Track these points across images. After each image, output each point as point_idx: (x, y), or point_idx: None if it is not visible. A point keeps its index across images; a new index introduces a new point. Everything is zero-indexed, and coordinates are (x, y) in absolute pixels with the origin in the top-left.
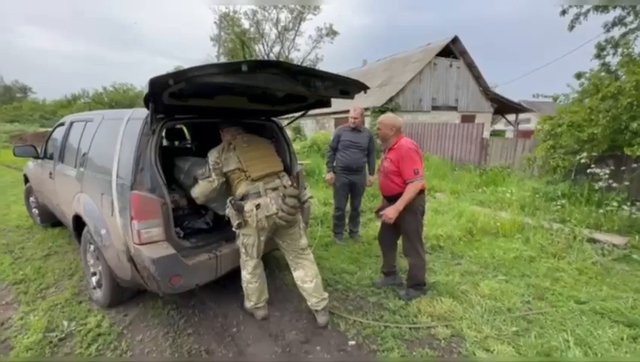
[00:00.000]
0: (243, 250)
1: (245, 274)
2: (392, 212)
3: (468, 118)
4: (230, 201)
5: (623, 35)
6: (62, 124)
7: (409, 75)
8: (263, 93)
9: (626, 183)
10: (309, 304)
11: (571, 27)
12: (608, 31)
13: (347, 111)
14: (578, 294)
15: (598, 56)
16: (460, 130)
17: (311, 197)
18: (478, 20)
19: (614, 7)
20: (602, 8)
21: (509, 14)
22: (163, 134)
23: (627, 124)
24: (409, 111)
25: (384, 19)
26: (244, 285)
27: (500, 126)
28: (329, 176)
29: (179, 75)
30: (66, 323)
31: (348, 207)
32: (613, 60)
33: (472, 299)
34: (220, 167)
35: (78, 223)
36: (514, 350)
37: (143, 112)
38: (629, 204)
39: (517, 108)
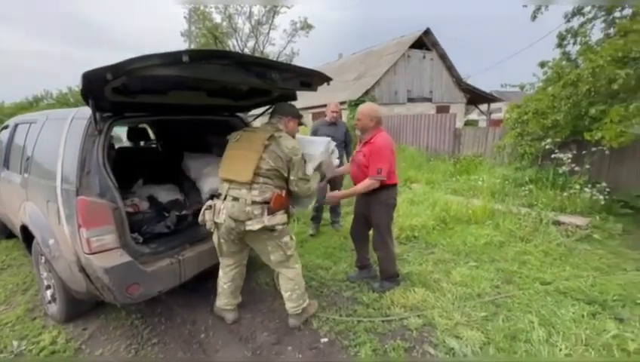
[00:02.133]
0: None
1: (219, 271)
2: (338, 195)
3: (443, 109)
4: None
5: (582, 25)
6: (6, 127)
7: (384, 67)
8: (224, 87)
9: (587, 167)
10: (286, 306)
11: (534, 17)
12: (568, 21)
13: (324, 106)
14: (543, 275)
15: (559, 45)
16: (434, 121)
17: (279, 225)
18: (449, 15)
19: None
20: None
21: (477, 9)
22: (113, 134)
23: (586, 110)
24: (385, 103)
25: (359, 14)
26: (218, 281)
27: (473, 116)
28: None
29: (117, 69)
30: (15, 342)
31: None
32: (573, 49)
33: (444, 287)
34: None
35: (27, 234)
36: (483, 335)
37: (88, 111)
38: (589, 186)
39: (488, 98)
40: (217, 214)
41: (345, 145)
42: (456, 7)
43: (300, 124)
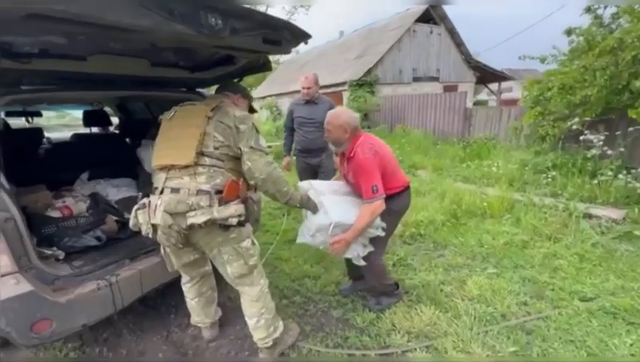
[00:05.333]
0: None
1: (182, 286)
2: (340, 246)
3: (450, 89)
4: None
5: None
6: None
7: (387, 44)
8: (175, 53)
9: (621, 150)
10: (253, 337)
11: None
12: None
13: (328, 86)
14: (583, 288)
15: (588, 9)
16: (441, 100)
17: (233, 218)
18: None
19: None
20: None
21: None
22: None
23: (628, 82)
24: (389, 83)
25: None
26: (185, 296)
27: (482, 96)
28: (285, 161)
29: None
30: None
31: None
32: (605, 12)
33: (457, 304)
34: None
35: None
36: None
37: None
38: (624, 172)
39: (500, 76)
40: (153, 213)
41: None
42: None
43: (253, 110)
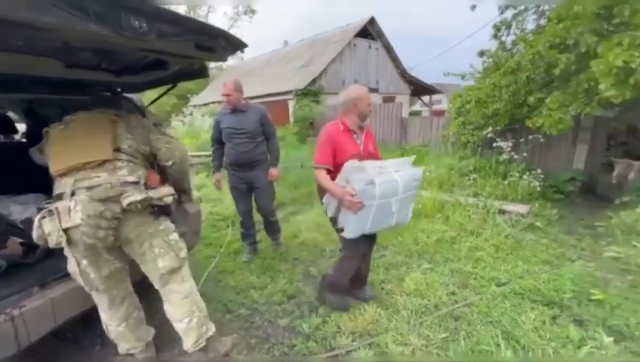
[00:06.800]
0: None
1: (100, 314)
2: None
3: (389, 100)
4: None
5: (515, 16)
6: None
7: (330, 55)
8: (96, 54)
9: (524, 154)
10: (184, 346)
11: (473, 7)
12: (502, 13)
13: (274, 94)
14: (498, 275)
15: (495, 36)
16: (381, 110)
17: (167, 197)
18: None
19: None
20: None
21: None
22: None
23: (525, 98)
24: (333, 93)
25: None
26: (104, 327)
27: (416, 107)
28: (215, 178)
29: None
30: None
31: None
32: (508, 39)
33: (397, 300)
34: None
35: None
36: None
37: None
38: (527, 173)
39: (430, 89)
40: (67, 216)
41: (266, 137)
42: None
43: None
